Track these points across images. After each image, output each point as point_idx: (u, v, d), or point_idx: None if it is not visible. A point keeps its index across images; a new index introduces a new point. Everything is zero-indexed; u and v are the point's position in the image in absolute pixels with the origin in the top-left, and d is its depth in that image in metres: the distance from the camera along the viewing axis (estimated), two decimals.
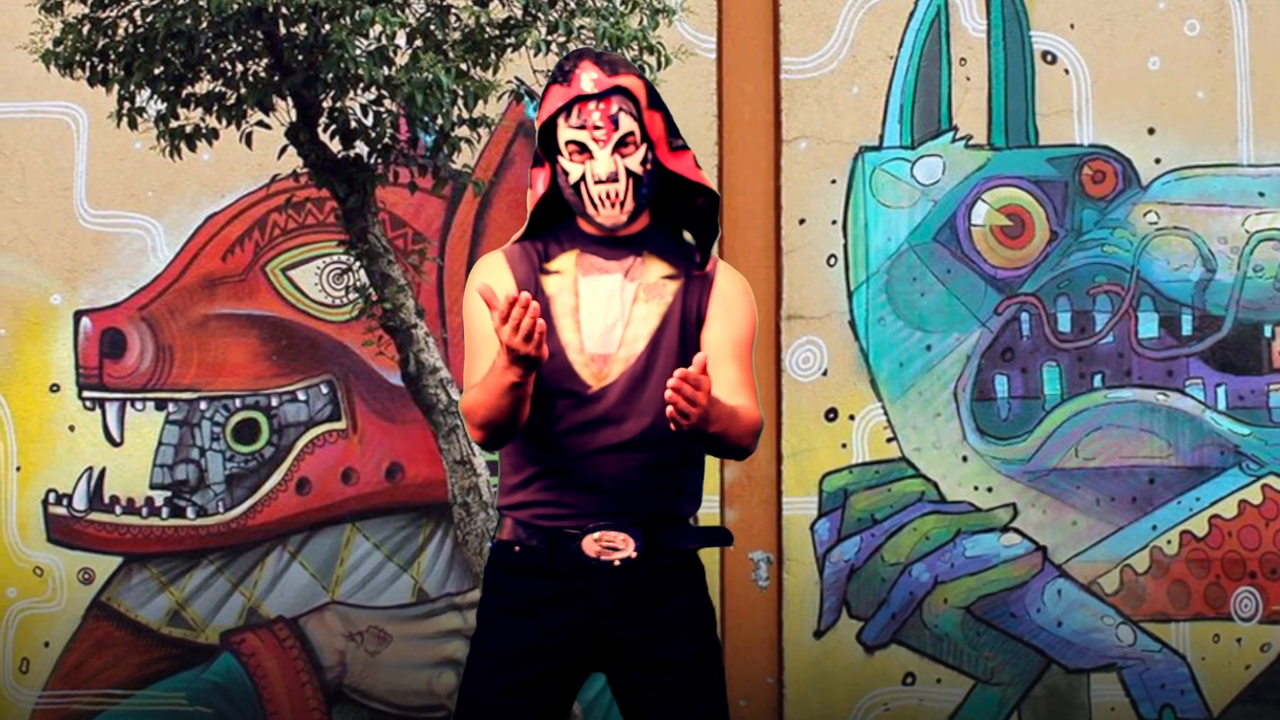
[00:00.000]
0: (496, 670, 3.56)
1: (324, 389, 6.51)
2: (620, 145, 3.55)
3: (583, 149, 3.55)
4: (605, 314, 3.58)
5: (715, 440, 3.49)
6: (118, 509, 6.49)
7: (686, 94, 6.49)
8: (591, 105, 3.54)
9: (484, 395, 3.44)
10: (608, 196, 3.55)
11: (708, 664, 3.63)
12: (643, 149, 3.57)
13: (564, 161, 3.57)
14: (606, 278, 3.62)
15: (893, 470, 6.49)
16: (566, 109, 3.56)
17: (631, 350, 3.57)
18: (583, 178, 3.56)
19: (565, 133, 3.56)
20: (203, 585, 6.50)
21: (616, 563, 3.57)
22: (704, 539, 3.74)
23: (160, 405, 6.51)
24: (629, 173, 3.56)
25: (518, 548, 3.61)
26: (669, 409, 3.26)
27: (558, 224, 3.68)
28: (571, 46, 5.84)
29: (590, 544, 3.57)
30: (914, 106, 6.54)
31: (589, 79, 3.56)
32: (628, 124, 3.55)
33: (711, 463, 6.43)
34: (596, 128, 3.54)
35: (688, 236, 3.76)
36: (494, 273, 3.62)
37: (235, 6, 5.51)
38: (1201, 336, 6.54)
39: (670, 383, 3.25)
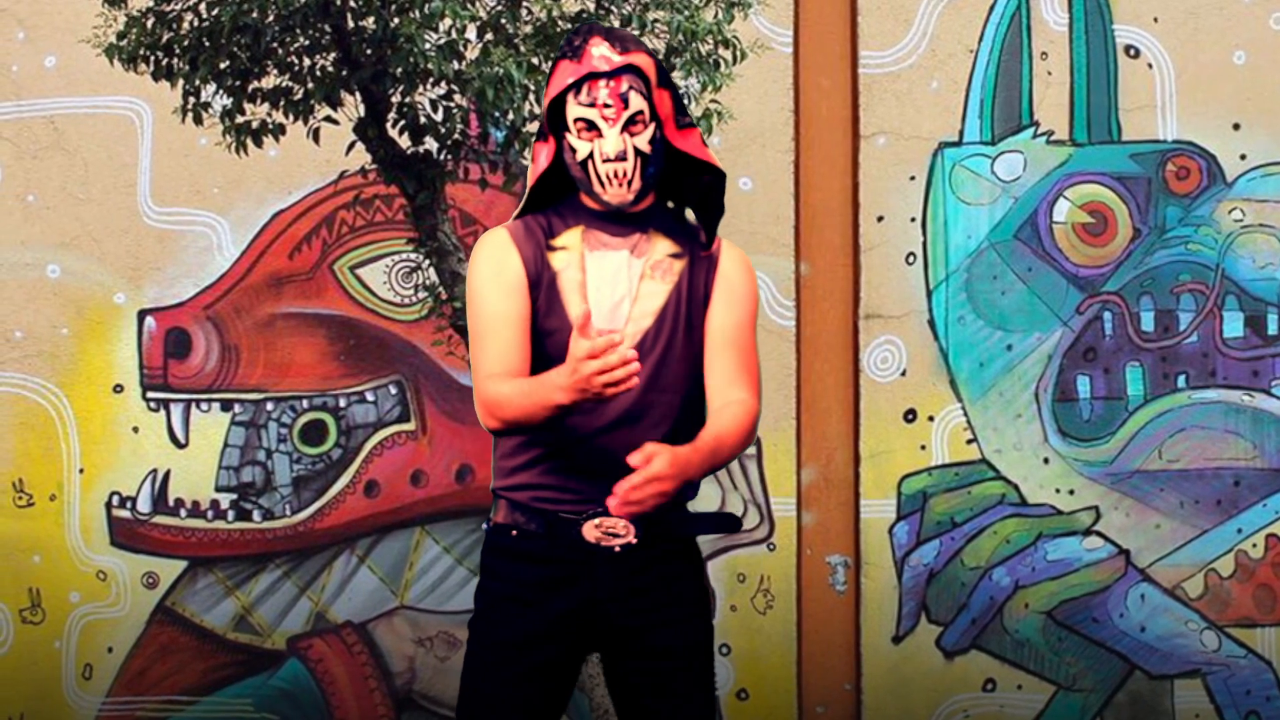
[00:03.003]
0: (500, 661, 3.56)
1: (393, 389, 6.42)
2: (629, 124, 3.54)
3: (591, 126, 3.54)
4: (613, 289, 3.59)
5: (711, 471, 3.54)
6: (182, 512, 6.41)
7: (762, 89, 6.43)
8: (602, 83, 3.53)
9: (523, 401, 3.42)
10: (615, 175, 3.54)
11: (700, 654, 3.65)
12: (651, 128, 3.57)
13: (571, 138, 3.57)
14: (613, 254, 3.62)
15: (973, 472, 6.41)
16: (576, 86, 3.55)
17: (639, 326, 3.57)
18: (590, 155, 3.56)
19: (574, 109, 3.55)
20: (269, 590, 6.42)
21: (617, 548, 3.56)
22: (709, 525, 3.74)
23: (226, 406, 6.43)
24: (637, 151, 3.56)
25: (515, 531, 3.60)
26: (630, 507, 3.32)
27: (560, 199, 3.68)
28: (645, 40, 5.79)
29: (590, 529, 3.56)
30: (994, 101, 6.46)
31: (600, 55, 3.54)
32: (638, 103, 3.54)
33: (787, 464, 6.39)
34: (606, 105, 3.53)
35: (691, 217, 3.75)
36: (500, 251, 3.61)
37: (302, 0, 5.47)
38: None
39: (615, 499, 3.32)
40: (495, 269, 3.57)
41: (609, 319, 3.56)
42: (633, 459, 3.32)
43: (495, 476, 3.66)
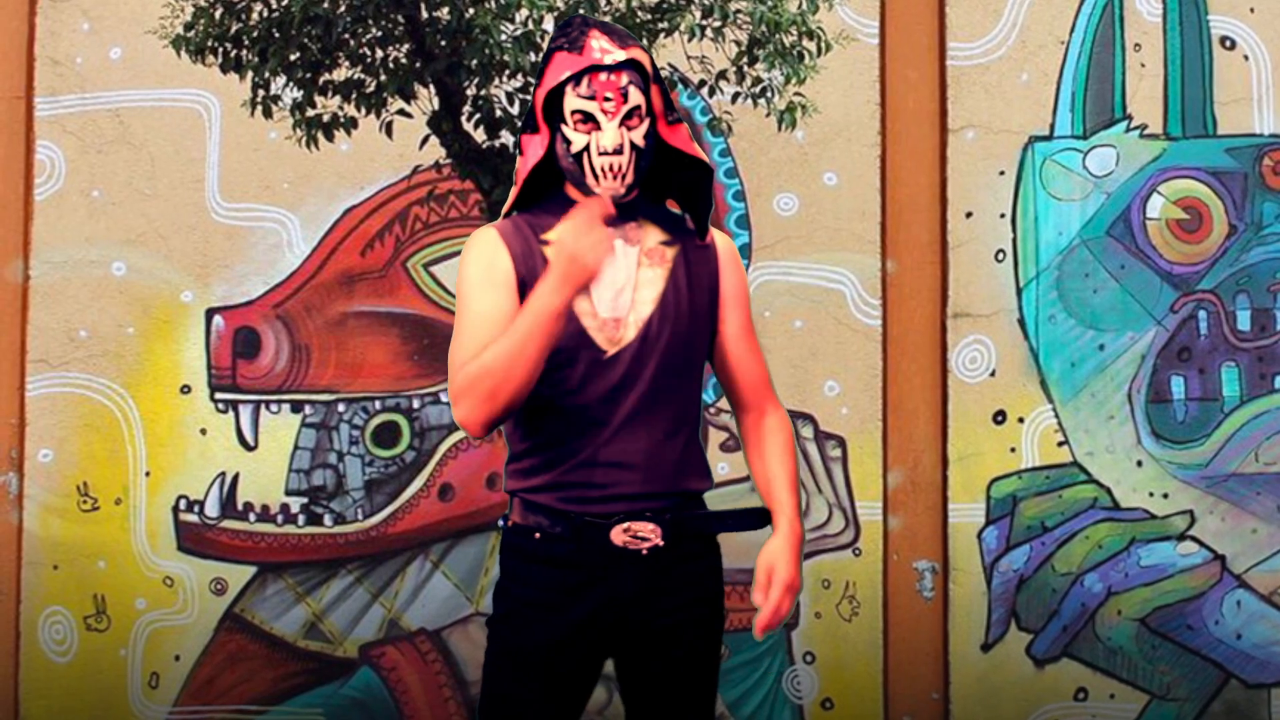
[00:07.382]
0: (524, 666, 3.57)
1: None
2: (627, 118, 3.56)
3: (588, 119, 3.56)
4: (613, 278, 3.59)
5: None
6: (251, 516, 6.39)
7: (848, 81, 6.35)
8: (604, 76, 3.55)
9: (508, 345, 3.39)
10: (611, 168, 3.55)
11: (716, 652, 3.68)
12: (647, 122, 3.60)
13: (567, 130, 3.58)
14: None
15: (1064, 475, 6.34)
16: (576, 78, 3.55)
17: (642, 313, 3.59)
18: (586, 148, 3.56)
19: (573, 101, 3.55)
20: (341, 596, 6.37)
21: (644, 551, 3.55)
22: (738, 523, 3.69)
23: (296, 407, 6.39)
24: (633, 146, 3.57)
25: (538, 534, 3.57)
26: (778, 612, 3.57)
27: (544, 196, 3.67)
28: (727, 32, 5.69)
29: (618, 534, 3.54)
30: (1086, 94, 6.39)
31: (601, 48, 3.56)
32: (636, 97, 3.57)
33: (873, 467, 6.33)
34: (606, 99, 3.55)
35: (673, 207, 3.78)
36: (490, 250, 3.59)
37: None
38: None
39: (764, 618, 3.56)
40: (484, 268, 3.56)
41: (612, 306, 3.57)
42: (759, 585, 3.55)
43: (510, 479, 3.63)
